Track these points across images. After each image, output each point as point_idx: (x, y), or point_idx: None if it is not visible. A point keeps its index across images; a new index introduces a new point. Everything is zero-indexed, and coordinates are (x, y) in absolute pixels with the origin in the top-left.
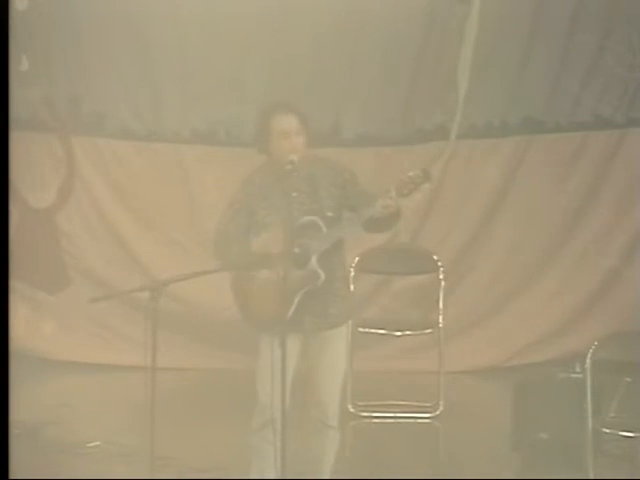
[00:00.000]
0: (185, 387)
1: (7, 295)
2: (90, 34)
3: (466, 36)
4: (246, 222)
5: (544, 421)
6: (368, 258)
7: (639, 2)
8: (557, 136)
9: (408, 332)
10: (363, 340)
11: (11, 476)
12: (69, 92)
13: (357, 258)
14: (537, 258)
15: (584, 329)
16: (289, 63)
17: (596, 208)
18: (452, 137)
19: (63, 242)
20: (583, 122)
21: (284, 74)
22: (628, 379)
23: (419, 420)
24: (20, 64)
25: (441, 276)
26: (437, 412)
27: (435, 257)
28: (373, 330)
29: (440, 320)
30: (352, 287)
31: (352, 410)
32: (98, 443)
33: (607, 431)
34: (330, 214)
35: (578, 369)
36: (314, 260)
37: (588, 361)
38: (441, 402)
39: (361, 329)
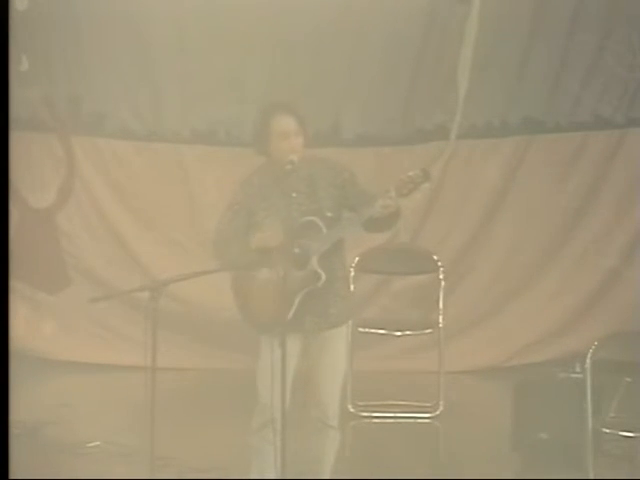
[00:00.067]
0: (185, 387)
1: (7, 295)
2: (90, 34)
3: (466, 36)
4: (245, 223)
5: (544, 421)
6: (368, 258)
7: (639, 2)
8: (557, 136)
9: (408, 332)
10: (363, 340)
11: (11, 476)
12: (69, 92)
13: (357, 258)
14: (537, 258)
15: (584, 329)
16: (289, 63)
17: (596, 208)
18: (452, 137)
19: (63, 242)
20: (583, 122)
21: (284, 74)
22: (628, 379)
23: (419, 420)
24: (20, 64)
25: (441, 276)
26: (437, 412)
27: (435, 257)
28: (373, 330)
29: (440, 320)
30: (352, 287)
31: (352, 410)
32: (98, 443)
33: (607, 431)
34: (329, 214)
35: (578, 369)
36: (314, 261)
37: (588, 361)
38: (441, 402)
39: (361, 329)
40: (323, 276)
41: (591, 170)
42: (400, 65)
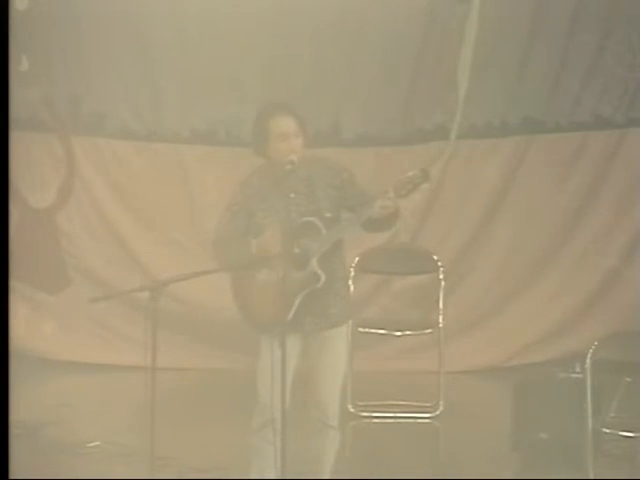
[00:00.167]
0: (185, 387)
1: (7, 295)
2: (90, 34)
3: (466, 36)
4: (245, 224)
5: (544, 421)
6: (368, 258)
7: (639, 2)
8: (557, 136)
9: (408, 332)
10: (363, 340)
11: (11, 476)
12: (69, 92)
13: (357, 258)
14: (537, 258)
15: (584, 329)
16: (289, 63)
17: (596, 208)
18: (452, 137)
19: (63, 242)
20: (583, 122)
21: (284, 74)
22: (628, 379)
23: (419, 420)
24: (20, 64)
25: (441, 276)
26: (437, 412)
27: (435, 257)
28: (373, 330)
29: (440, 320)
30: (352, 287)
31: (352, 410)
32: (98, 443)
33: (607, 431)
34: (328, 215)
35: (578, 369)
36: (314, 261)
37: (588, 361)
38: (441, 402)
39: (361, 329)
40: (323, 277)
41: (591, 170)
42: (400, 65)
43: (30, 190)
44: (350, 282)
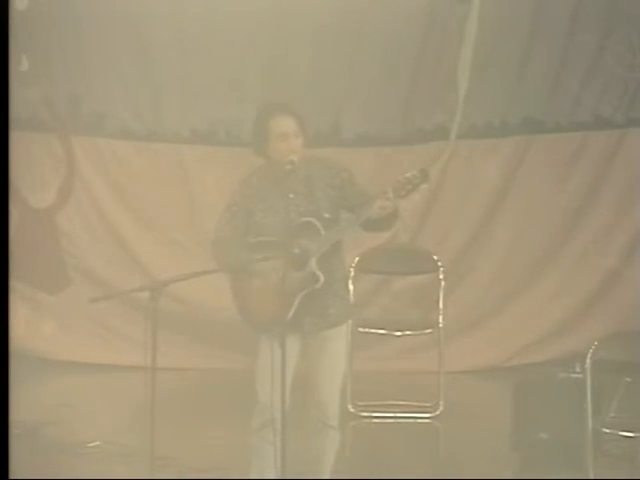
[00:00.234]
0: (185, 387)
1: (7, 295)
2: (90, 34)
3: (466, 36)
4: (244, 223)
5: (544, 421)
6: (368, 258)
7: (639, 2)
8: (557, 136)
9: (408, 332)
10: (363, 340)
11: (11, 476)
12: (69, 92)
13: (357, 258)
14: (537, 258)
15: (584, 329)
16: (289, 63)
17: (596, 208)
18: (452, 137)
19: (63, 242)
20: (583, 122)
21: (284, 74)
22: (628, 379)
23: (419, 420)
24: (20, 64)
25: (441, 276)
26: (437, 412)
27: (435, 257)
28: (373, 330)
29: (440, 320)
30: (352, 287)
31: (352, 410)
32: (98, 443)
33: (607, 431)
34: (327, 215)
35: (578, 369)
36: (313, 262)
37: (588, 361)
38: (441, 402)
39: (361, 329)
40: (322, 277)
41: (591, 170)
42: (400, 65)
43: (30, 190)
44: (350, 282)
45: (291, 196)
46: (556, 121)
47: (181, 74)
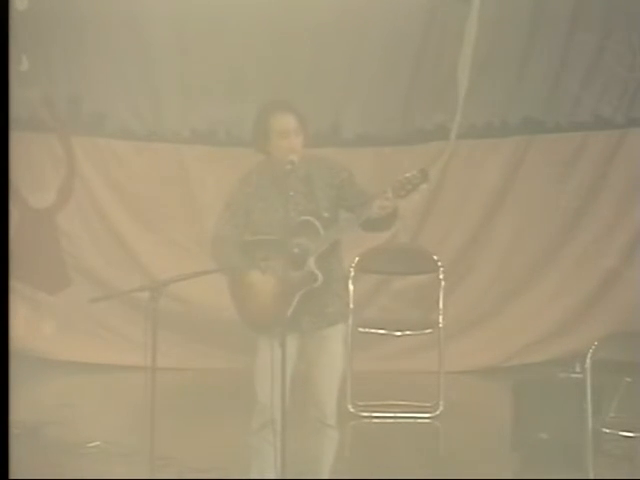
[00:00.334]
0: (185, 387)
1: (7, 295)
2: (90, 34)
3: (466, 36)
4: (243, 222)
5: (544, 421)
6: (368, 258)
7: (639, 2)
8: (557, 136)
9: (408, 332)
10: (363, 340)
11: (11, 476)
12: (69, 92)
13: (357, 258)
14: (537, 258)
15: (584, 329)
16: (289, 63)
17: (596, 208)
18: (452, 137)
19: (63, 242)
20: (583, 122)
21: (284, 74)
22: (628, 379)
23: (419, 420)
24: (20, 64)
25: (441, 276)
26: (437, 412)
27: (435, 257)
28: (373, 330)
29: (440, 320)
30: (352, 287)
31: (352, 410)
32: (98, 443)
33: (607, 431)
34: (326, 215)
35: (578, 369)
36: (312, 261)
37: (588, 361)
38: (441, 402)
39: (361, 329)
40: (320, 277)
41: (591, 170)
42: (400, 64)
43: (30, 190)
44: (350, 282)
45: (291, 194)
46: (556, 121)
47: (181, 74)
